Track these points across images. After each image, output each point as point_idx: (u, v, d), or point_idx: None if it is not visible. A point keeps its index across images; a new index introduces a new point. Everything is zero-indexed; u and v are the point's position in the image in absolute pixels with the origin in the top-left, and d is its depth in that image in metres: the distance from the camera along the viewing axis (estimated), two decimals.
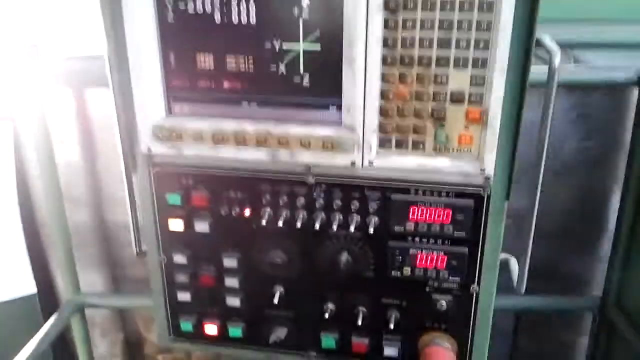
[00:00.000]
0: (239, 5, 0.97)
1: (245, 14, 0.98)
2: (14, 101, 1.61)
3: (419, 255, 1.07)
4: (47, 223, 1.72)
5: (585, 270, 1.78)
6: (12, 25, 1.71)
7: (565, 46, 1.24)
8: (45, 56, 1.70)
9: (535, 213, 1.08)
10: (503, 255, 1.10)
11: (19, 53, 1.56)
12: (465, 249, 1.06)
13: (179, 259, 1.17)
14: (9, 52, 1.52)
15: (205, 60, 1.03)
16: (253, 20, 0.98)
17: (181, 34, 1.01)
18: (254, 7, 0.97)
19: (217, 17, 0.99)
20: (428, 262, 1.07)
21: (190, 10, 0.99)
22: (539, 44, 1.01)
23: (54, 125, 1.62)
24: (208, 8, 0.99)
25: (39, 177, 1.62)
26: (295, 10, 0.95)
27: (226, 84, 1.04)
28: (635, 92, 1.50)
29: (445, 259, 1.06)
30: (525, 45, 0.91)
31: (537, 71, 0.98)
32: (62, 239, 1.69)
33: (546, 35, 1.07)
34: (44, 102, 1.57)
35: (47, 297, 1.91)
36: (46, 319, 1.68)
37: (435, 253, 1.06)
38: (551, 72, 1.01)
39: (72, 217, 1.73)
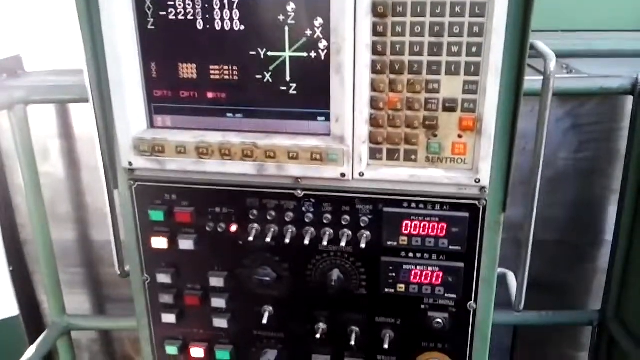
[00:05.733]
0: (222, 11, 0.93)
1: (229, 20, 0.94)
2: None
3: (413, 271, 1.03)
4: (32, 241, 1.67)
5: (582, 282, 1.75)
6: None
7: (556, 56, 1.21)
8: (29, 68, 1.66)
9: (532, 227, 1.05)
10: (500, 270, 1.06)
11: (2, 64, 1.52)
12: (461, 264, 1.01)
13: (163, 278, 1.12)
14: None
15: (188, 70, 0.99)
16: (237, 27, 0.94)
17: (162, 41, 0.97)
18: (238, 13, 0.93)
19: (200, 23, 0.95)
20: (423, 278, 1.03)
21: (172, 16, 0.95)
22: (533, 49, 0.98)
23: (37, 141, 1.58)
24: (190, 14, 0.95)
25: (22, 194, 1.57)
26: (281, 17, 0.92)
27: (210, 95, 1.00)
28: (630, 100, 1.48)
29: (441, 275, 1.02)
30: (520, 48, 0.87)
31: (530, 80, 0.95)
32: (47, 258, 1.63)
33: (539, 41, 1.04)
34: (27, 117, 1.53)
35: (31, 319, 1.85)
36: (31, 341, 1.62)
37: (429, 269, 1.02)
38: (546, 77, 0.98)
39: (56, 236, 1.68)
